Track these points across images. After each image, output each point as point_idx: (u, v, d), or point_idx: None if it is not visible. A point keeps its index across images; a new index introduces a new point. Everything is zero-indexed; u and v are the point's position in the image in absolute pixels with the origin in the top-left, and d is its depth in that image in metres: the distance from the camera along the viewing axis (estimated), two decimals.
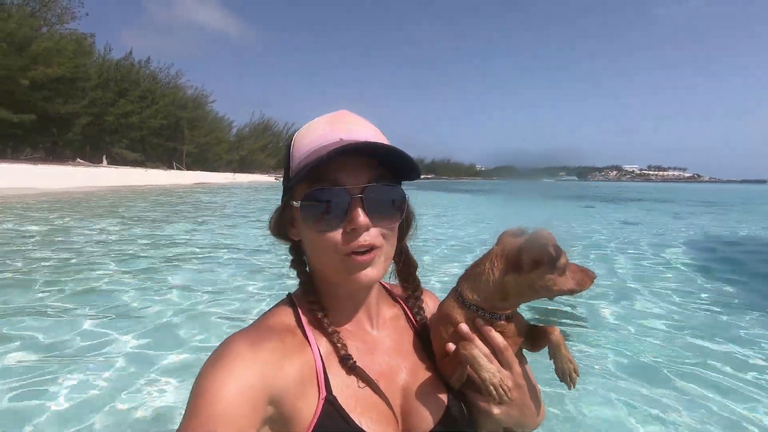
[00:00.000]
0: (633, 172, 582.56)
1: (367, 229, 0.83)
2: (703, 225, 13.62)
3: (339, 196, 0.81)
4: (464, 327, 0.89)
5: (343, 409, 0.82)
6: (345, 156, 0.80)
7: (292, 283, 0.99)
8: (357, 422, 0.83)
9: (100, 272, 5.37)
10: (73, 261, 5.92)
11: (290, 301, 0.96)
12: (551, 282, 0.84)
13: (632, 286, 5.36)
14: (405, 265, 1.05)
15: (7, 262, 5.73)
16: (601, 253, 7.82)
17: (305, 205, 0.83)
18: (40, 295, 4.38)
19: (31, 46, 35.29)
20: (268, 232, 0.98)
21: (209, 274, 5.51)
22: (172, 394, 2.57)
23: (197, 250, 7.19)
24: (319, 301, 0.92)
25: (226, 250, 7.19)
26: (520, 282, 0.85)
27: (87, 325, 3.61)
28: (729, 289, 5.35)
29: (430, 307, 1.11)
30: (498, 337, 0.89)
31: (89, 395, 2.60)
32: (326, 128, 0.87)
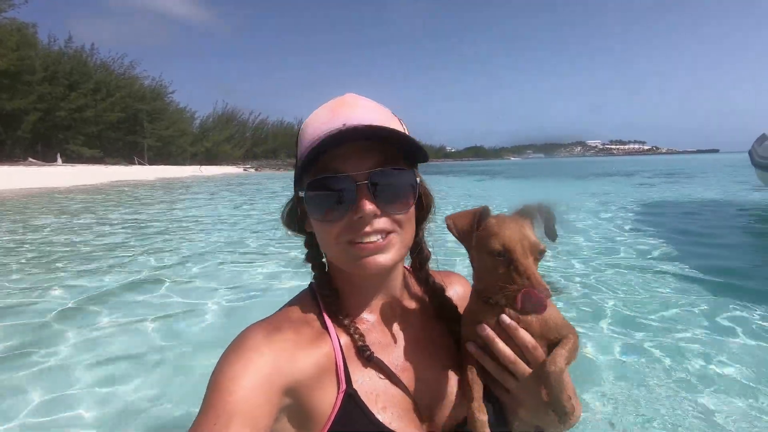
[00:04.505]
0: (596, 147, 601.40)
1: (375, 216, 0.80)
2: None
3: (343, 183, 0.79)
4: (485, 329, 0.84)
5: (364, 404, 0.81)
6: (347, 142, 0.78)
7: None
8: (378, 417, 0.81)
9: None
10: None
11: (311, 290, 0.94)
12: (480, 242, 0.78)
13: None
14: (417, 255, 0.98)
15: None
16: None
17: (310, 195, 0.81)
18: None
19: None
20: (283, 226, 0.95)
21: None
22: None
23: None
24: (334, 294, 0.90)
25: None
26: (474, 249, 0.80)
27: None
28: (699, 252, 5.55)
29: (458, 292, 1.05)
30: (525, 335, 0.83)
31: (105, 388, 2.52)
32: (329, 114, 0.83)
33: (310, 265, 0.95)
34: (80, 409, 2.37)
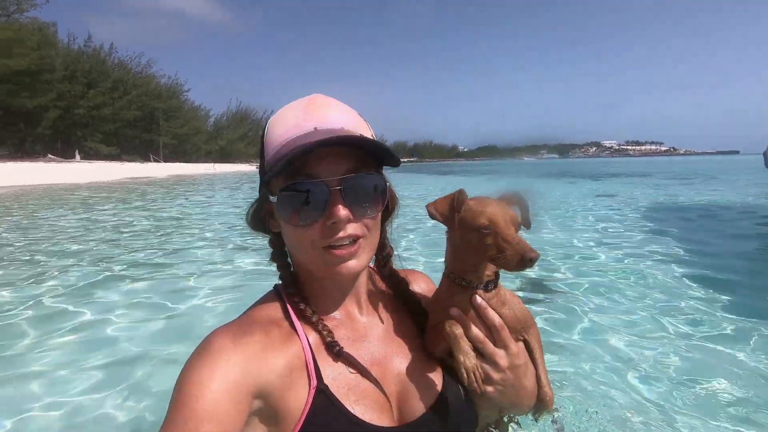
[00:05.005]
0: (611, 147, 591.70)
1: (348, 221, 0.81)
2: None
3: (317, 189, 0.79)
4: (455, 311, 0.90)
5: (336, 398, 0.82)
6: (321, 148, 0.77)
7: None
8: (350, 410, 0.82)
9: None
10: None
11: (276, 292, 0.94)
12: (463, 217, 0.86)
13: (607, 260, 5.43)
14: (379, 251, 1.01)
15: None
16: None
17: (282, 199, 0.81)
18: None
19: None
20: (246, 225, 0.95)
21: None
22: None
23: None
24: (301, 292, 0.91)
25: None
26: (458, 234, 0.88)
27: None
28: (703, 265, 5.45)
29: (422, 288, 1.10)
30: (494, 315, 0.89)
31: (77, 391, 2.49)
32: (299, 116, 0.84)
33: (275, 264, 0.97)
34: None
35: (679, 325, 3.25)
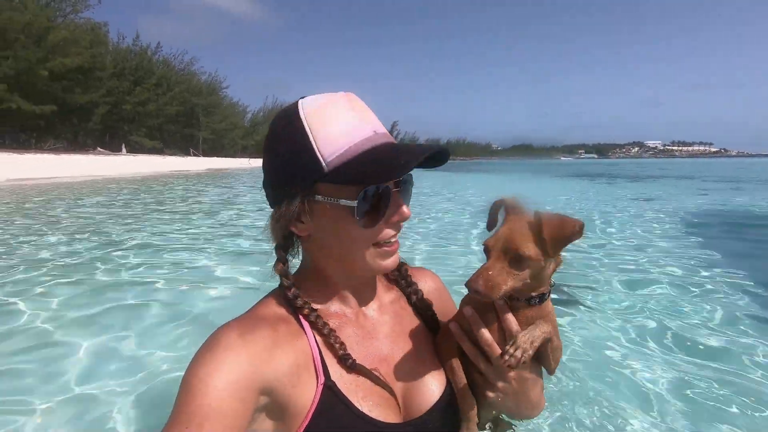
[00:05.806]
0: (656, 148, 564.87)
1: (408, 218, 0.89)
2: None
3: (386, 191, 0.85)
4: (468, 310, 0.91)
5: (343, 394, 0.83)
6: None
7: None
8: (358, 406, 0.83)
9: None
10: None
11: (283, 289, 0.94)
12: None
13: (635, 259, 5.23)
14: None
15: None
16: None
17: (364, 202, 0.83)
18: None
19: (48, 37, 35.73)
20: (267, 231, 0.92)
21: None
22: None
23: None
24: (309, 297, 0.91)
25: None
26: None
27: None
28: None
29: (429, 286, 1.13)
30: (511, 321, 0.88)
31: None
32: (353, 116, 0.84)
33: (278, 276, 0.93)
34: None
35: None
